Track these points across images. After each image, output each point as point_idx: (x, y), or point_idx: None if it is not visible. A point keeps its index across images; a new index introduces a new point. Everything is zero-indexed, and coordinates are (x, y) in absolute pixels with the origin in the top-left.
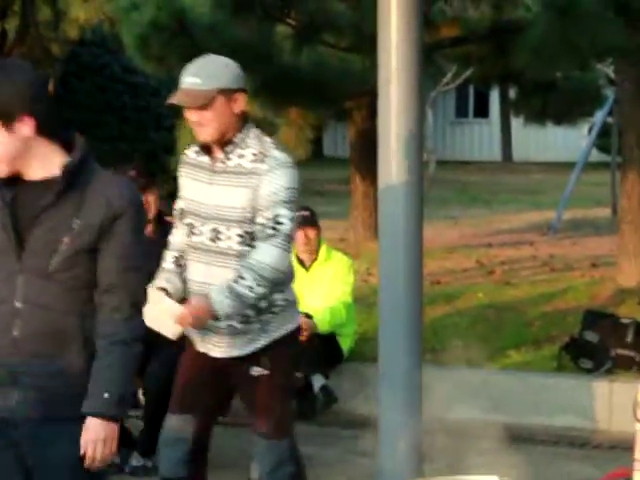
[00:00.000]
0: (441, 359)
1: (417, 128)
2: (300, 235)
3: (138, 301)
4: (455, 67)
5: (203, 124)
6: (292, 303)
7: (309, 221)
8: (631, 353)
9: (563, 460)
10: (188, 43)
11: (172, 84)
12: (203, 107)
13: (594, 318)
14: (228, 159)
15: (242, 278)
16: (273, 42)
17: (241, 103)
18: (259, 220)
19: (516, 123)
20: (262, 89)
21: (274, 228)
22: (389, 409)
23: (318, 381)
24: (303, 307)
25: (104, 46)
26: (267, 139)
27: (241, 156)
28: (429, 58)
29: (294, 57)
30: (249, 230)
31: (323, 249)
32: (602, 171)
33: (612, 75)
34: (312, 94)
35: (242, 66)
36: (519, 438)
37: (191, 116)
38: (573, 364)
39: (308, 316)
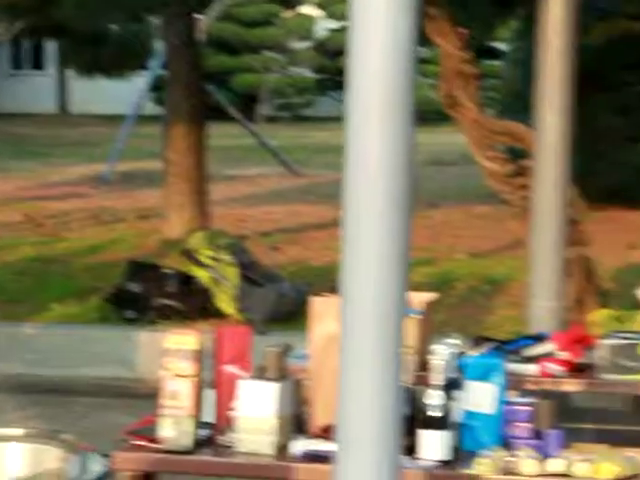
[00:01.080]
0: None
1: None
2: None
3: None
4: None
5: None
6: None
7: None
8: (172, 302)
9: (104, 410)
10: None
11: None
12: None
13: (137, 269)
14: None
15: None
16: None
17: None
18: None
19: (73, 75)
20: None
21: None
22: None
23: None
24: None
25: None
26: None
27: None
28: None
29: None
30: None
31: None
32: (158, 124)
33: None
34: None
35: None
36: (63, 391)
37: None
38: (118, 315)
39: None
